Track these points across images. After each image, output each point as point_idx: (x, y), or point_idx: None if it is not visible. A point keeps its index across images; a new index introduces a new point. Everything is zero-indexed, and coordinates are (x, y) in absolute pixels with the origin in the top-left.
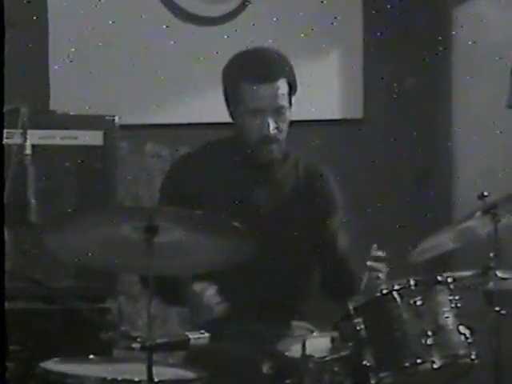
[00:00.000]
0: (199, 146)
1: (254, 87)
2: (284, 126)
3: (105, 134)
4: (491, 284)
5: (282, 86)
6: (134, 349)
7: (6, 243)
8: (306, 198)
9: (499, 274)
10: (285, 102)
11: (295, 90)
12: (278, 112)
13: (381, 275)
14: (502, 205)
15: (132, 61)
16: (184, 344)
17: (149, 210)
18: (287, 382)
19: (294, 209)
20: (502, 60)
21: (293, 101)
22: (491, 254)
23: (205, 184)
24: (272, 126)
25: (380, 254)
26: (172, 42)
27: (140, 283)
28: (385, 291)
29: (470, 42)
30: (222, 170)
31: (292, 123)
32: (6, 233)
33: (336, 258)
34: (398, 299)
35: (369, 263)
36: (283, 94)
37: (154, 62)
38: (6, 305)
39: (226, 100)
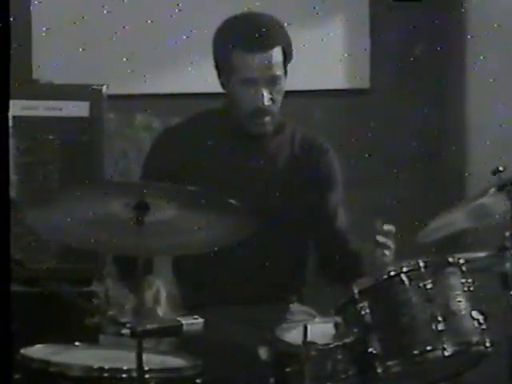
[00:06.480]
0: (186, 117)
1: (248, 56)
2: (278, 97)
3: (91, 104)
4: (507, 265)
5: (277, 54)
6: (122, 335)
7: None
8: (302, 172)
9: None
10: (280, 72)
11: (290, 58)
12: (272, 82)
13: (387, 252)
14: None
15: (120, 27)
16: (176, 330)
17: (139, 185)
18: (287, 370)
19: (288, 184)
20: None
21: (287, 69)
22: (507, 234)
23: (192, 158)
24: (266, 96)
25: (388, 228)
26: (162, 9)
27: (114, 265)
28: (392, 273)
29: (485, 7)
30: (211, 142)
31: (294, 93)
32: None
33: (334, 238)
34: (407, 282)
35: (378, 238)
36: (278, 63)
37: (144, 29)
38: None
39: (217, 67)
